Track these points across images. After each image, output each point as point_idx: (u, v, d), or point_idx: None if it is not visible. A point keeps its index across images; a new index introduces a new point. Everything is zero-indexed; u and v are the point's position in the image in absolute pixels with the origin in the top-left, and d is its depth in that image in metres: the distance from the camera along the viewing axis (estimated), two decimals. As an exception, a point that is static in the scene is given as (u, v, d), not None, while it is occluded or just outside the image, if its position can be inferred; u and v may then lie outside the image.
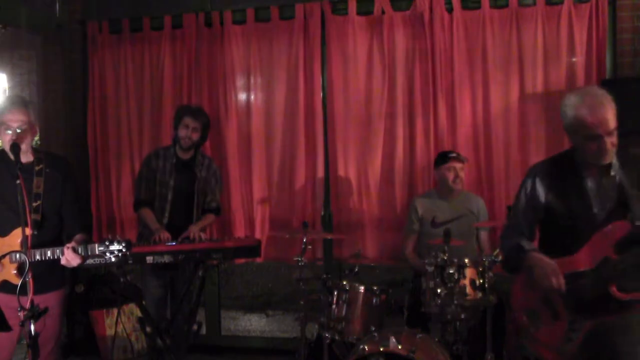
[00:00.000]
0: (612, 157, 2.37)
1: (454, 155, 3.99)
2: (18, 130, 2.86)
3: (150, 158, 3.93)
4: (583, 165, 2.43)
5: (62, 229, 3.06)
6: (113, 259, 2.77)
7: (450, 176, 3.94)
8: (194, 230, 3.69)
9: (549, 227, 2.55)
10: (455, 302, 3.31)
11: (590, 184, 2.42)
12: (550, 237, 2.57)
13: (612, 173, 2.38)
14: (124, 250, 2.75)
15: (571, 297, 2.39)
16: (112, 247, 2.74)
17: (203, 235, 3.70)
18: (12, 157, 2.83)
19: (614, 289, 2.29)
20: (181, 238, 3.63)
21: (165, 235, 3.60)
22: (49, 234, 2.96)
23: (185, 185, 3.89)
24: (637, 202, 2.33)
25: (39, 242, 2.82)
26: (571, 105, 2.39)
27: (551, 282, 2.37)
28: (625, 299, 2.28)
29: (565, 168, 2.50)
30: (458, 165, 3.94)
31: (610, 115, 2.31)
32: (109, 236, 2.78)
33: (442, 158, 4.00)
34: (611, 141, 2.32)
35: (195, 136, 3.85)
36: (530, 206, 2.58)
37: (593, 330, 2.37)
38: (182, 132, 3.82)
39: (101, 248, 2.75)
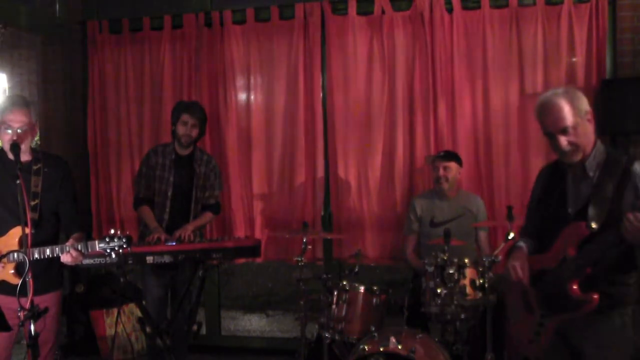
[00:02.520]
0: (576, 156, 2.34)
1: (440, 154, 4.01)
2: (19, 131, 2.86)
3: (150, 155, 3.92)
4: (565, 166, 2.45)
5: (59, 228, 3.06)
6: (114, 255, 2.77)
7: (434, 175, 3.98)
8: (187, 229, 3.68)
9: (540, 225, 2.60)
10: (455, 302, 3.32)
11: (569, 184, 2.45)
12: (539, 236, 2.61)
13: (591, 174, 2.37)
14: (124, 246, 2.76)
15: (540, 293, 2.45)
16: (112, 244, 2.74)
17: (192, 237, 3.66)
18: (10, 156, 2.83)
19: (573, 287, 2.29)
20: (175, 235, 3.62)
21: (163, 235, 3.60)
22: (47, 233, 2.97)
23: (185, 181, 3.88)
24: (596, 202, 2.31)
25: (36, 241, 2.81)
26: (536, 104, 2.46)
27: (511, 273, 2.47)
28: (579, 298, 2.28)
29: (555, 169, 2.55)
30: (442, 164, 3.94)
31: (563, 113, 2.30)
32: (110, 232, 2.79)
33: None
34: (567, 139, 2.31)
35: (195, 132, 3.85)
36: (531, 207, 2.67)
37: (559, 328, 2.40)
38: (181, 130, 3.81)
39: (102, 244, 2.75)
